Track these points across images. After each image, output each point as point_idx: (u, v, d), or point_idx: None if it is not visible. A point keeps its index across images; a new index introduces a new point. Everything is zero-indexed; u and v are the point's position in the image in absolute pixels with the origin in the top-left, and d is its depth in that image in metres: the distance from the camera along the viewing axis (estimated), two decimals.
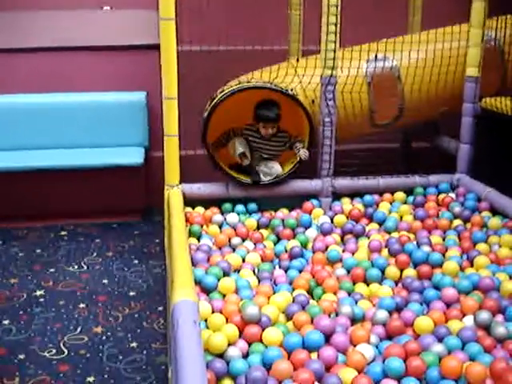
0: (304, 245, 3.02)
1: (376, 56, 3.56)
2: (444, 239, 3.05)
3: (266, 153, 3.35)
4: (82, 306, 3.04)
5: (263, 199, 3.43)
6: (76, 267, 3.46)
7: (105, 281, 3.30)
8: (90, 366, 2.54)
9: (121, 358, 2.60)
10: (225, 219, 3.29)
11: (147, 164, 4.15)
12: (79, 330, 2.82)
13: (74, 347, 2.67)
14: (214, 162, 3.35)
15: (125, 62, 4.27)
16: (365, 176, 3.59)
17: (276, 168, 3.35)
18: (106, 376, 2.47)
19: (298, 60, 3.62)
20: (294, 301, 2.43)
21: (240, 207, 3.38)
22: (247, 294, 2.45)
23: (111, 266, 3.49)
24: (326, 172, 3.48)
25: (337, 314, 2.38)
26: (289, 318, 2.34)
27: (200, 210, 3.35)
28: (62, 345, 2.69)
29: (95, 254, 3.64)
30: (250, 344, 2.16)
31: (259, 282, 2.63)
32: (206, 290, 2.48)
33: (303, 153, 3.28)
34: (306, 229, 3.20)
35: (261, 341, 2.16)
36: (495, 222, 3.12)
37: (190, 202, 3.35)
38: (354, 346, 2.16)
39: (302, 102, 3.31)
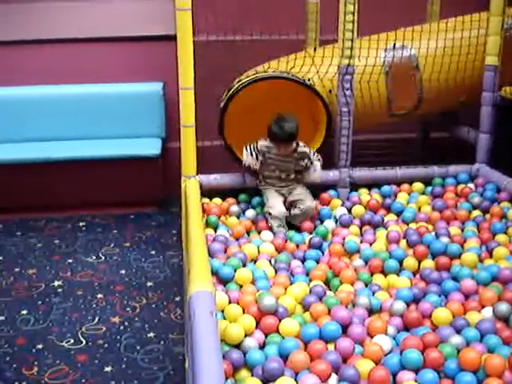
0: (324, 236, 2.99)
1: (394, 45, 3.51)
2: (463, 230, 3.02)
3: (284, 170, 3.16)
4: (99, 296, 3.05)
5: None
6: (94, 258, 3.48)
7: (122, 271, 3.31)
8: (108, 356, 2.55)
9: (138, 348, 2.61)
10: (243, 212, 3.29)
11: (164, 155, 4.15)
12: (97, 320, 2.83)
13: (92, 337, 2.69)
14: (231, 153, 3.34)
15: (141, 52, 4.26)
16: (382, 166, 3.56)
17: (308, 205, 3.11)
18: (123, 366, 2.48)
19: (315, 49, 3.59)
20: (310, 292, 2.43)
21: (257, 199, 3.37)
22: (264, 284, 2.45)
23: (128, 256, 3.50)
24: (343, 162, 3.46)
25: (354, 305, 2.37)
26: (306, 308, 2.34)
27: (217, 201, 3.34)
28: (79, 335, 2.70)
29: (113, 245, 3.65)
30: (266, 335, 2.16)
31: (276, 272, 2.63)
32: (223, 281, 2.48)
33: (314, 176, 3.16)
34: (323, 221, 3.19)
35: (277, 332, 2.16)
36: None
37: (206, 192, 3.35)
38: (371, 337, 2.16)
39: (320, 92, 3.29)
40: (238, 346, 2.09)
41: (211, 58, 3.69)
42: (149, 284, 3.18)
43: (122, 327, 2.77)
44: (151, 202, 4.17)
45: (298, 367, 1.95)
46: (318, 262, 2.73)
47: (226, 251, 2.74)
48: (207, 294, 1.96)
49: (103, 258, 3.48)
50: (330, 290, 2.55)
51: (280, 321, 2.19)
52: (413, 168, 3.60)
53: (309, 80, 3.33)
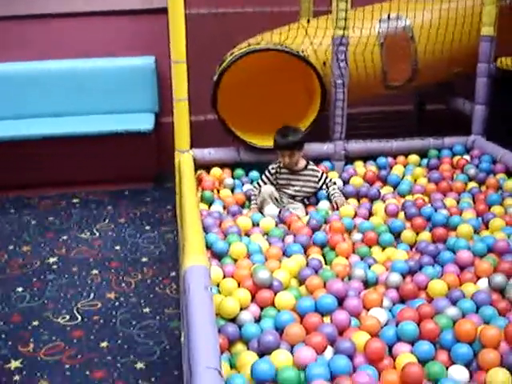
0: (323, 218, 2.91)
1: (389, 15, 3.46)
2: (458, 202, 3.01)
3: (294, 189, 3.06)
4: (94, 272, 3.04)
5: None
6: (88, 234, 3.46)
7: (117, 247, 3.30)
8: (104, 332, 2.54)
9: (134, 323, 2.61)
10: (242, 184, 3.27)
11: (157, 130, 4.11)
12: (92, 296, 2.82)
13: (88, 313, 2.68)
14: (225, 127, 3.31)
15: (133, 26, 4.19)
16: (378, 139, 3.54)
17: (300, 210, 3.02)
18: (119, 341, 2.48)
19: (308, 21, 3.54)
20: (307, 265, 2.42)
21: (254, 173, 3.35)
22: (259, 258, 2.43)
23: (123, 232, 3.48)
24: (338, 135, 3.43)
25: (350, 278, 2.37)
26: (301, 282, 2.33)
27: (217, 171, 3.31)
28: (75, 311, 2.70)
29: (107, 221, 3.63)
30: (262, 308, 2.16)
31: (270, 246, 2.61)
32: (218, 255, 2.47)
33: (341, 201, 3.01)
34: (319, 201, 3.13)
35: (273, 305, 2.16)
36: (511, 184, 3.06)
37: (200, 167, 3.33)
38: (367, 309, 2.15)
39: (314, 64, 3.25)
40: (233, 320, 2.09)
41: (203, 30, 3.64)
42: (144, 260, 3.16)
43: (117, 303, 2.76)
44: (145, 177, 4.14)
45: (293, 340, 1.95)
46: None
47: (220, 225, 2.73)
48: (202, 269, 1.95)
49: (98, 234, 3.46)
50: (327, 264, 2.54)
51: (275, 294, 2.18)
52: (408, 140, 3.58)
53: (302, 52, 3.29)
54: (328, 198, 3.07)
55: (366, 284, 2.37)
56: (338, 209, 2.97)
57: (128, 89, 4.19)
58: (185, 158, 3.17)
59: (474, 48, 3.48)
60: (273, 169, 3.09)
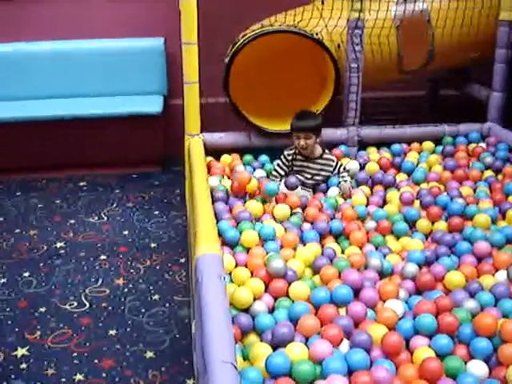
0: (334, 207, 2.85)
1: None
2: (475, 191, 2.94)
3: (306, 177, 3.00)
4: (102, 257, 3.00)
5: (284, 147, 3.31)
6: (96, 218, 3.41)
7: (125, 232, 3.25)
8: (112, 319, 2.50)
9: (143, 310, 2.56)
10: (253, 169, 3.20)
11: (166, 112, 4.04)
12: (100, 282, 2.77)
13: (96, 300, 2.64)
14: (236, 111, 3.24)
15: (141, 6, 4.10)
16: (390, 125, 3.46)
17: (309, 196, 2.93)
18: (128, 329, 2.44)
19: (322, 2, 3.44)
20: (322, 254, 2.36)
21: (263, 157, 3.29)
22: (273, 246, 2.37)
23: (131, 217, 3.43)
24: (351, 120, 3.36)
25: (365, 268, 2.31)
26: (316, 271, 2.28)
27: (227, 159, 3.24)
28: (83, 297, 2.65)
29: (115, 205, 3.58)
30: (275, 299, 2.10)
31: (286, 232, 2.54)
32: (230, 243, 2.40)
33: (344, 187, 2.93)
34: (329, 188, 3.04)
35: (287, 295, 2.10)
36: None
37: (211, 151, 3.25)
38: (384, 301, 2.10)
39: (328, 47, 3.16)
40: (246, 310, 2.03)
41: (214, 10, 3.55)
42: (152, 245, 3.12)
43: (125, 289, 2.72)
44: (153, 161, 4.08)
45: (308, 332, 1.89)
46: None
47: (231, 211, 2.66)
48: (215, 257, 1.90)
49: (106, 218, 3.41)
50: (342, 252, 2.48)
51: (289, 284, 2.13)
52: (423, 127, 3.50)
53: (317, 34, 3.20)
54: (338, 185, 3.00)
55: (381, 274, 2.31)
56: (342, 195, 2.92)
57: (137, 70, 4.11)
58: (195, 142, 3.11)
59: (492, 33, 3.39)
60: (289, 155, 3.01)
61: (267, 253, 2.33)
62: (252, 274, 2.20)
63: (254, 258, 2.26)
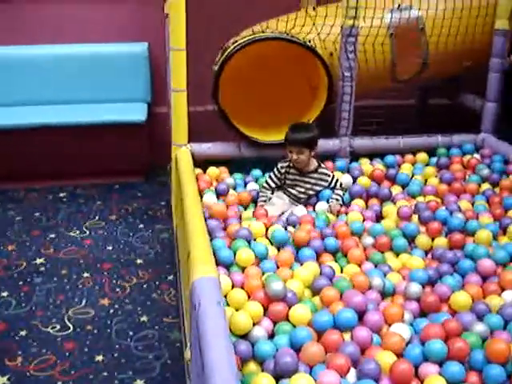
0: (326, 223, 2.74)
1: (399, 5, 3.28)
2: (472, 204, 2.85)
3: (299, 190, 2.87)
4: (86, 275, 2.83)
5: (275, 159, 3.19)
6: (78, 232, 3.24)
7: (109, 247, 3.09)
8: (98, 344, 2.35)
9: (131, 333, 2.41)
10: (245, 184, 3.07)
11: (150, 121, 3.89)
12: (84, 302, 2.61)
13: (80, 322, 2.48)
14: (225, 120, 3.11)
15: (123, 10, 3.95)
16: (383, 135, 3.37)
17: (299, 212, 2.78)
18: (115, 354, 2.28)
19: (314, 8, 3.34)
20: (321, 273, 2.24)
21: (256, 172, 3.17)
22: (268, 266, 2.25)
23: (115, 230, 3.27)
24: (344, 131, 3.26)
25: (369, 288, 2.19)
26: (315, 292, 2.16)
27: (214, 171, 3.11)
28: (66, 319, 2.49)
29: (97, 218, 3.41)
30: (275, 323, 1.98)
31: (279, 250, 2.42)
32: (223, 263, 2.27)
33: (333, 207, 2.79)
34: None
35: (287, 319, 1.98)
36: None
37: (199, 162, 3.12)
38: (389, 324, 1.99)
39: (321, 55, 3.06)
40: (244, 336, 1.90)
41: (204, 16, 3.42)
42: (138, 261, 2.96)
43: (111, 310, 2.56)
44: (137, 170, 3.93)
45: (312, 360, 1.78)
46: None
47: (225, 229, 2.52)
48: (212, 281, 1.77)
49: (88, 232, 3.25)
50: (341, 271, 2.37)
51: (289, 307, 2.00)
52: (416, 137, 3.41)
53: (309, 42, 3.09)
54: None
55: (383, 294, 2.21)
56: (331, 212, 2.80)
57: (119, 77, 3.96)
58: (183, 153, 2.98)
59: (487, 42, 3.32)
60: (282, 168, 2.90)
61: (263, 273, 2.21)
62: (249, 295, 2.07)
63: (251, 278, 2.13)
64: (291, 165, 2.86)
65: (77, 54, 3.92)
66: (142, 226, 3.33)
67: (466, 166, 3.24)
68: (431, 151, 3.40)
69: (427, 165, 3.32)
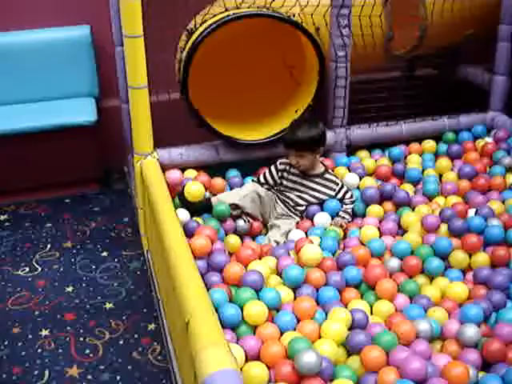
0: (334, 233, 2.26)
1: None
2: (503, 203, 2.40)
3: (297, 195, 2.40)
4: (44, 333, 2.22)
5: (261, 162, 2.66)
6: (27, 270, 2.61)
7: (68, 288, 2.48)
8: None
9: None
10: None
11: (101, 118, 3.25)
12: (47, 376, 2.01)
13: None
14: (197, 117, 2.55)
15: None
16: (382, 122, 2.87)
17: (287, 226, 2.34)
18: None
19: None
20: (352, 324, 1.75)
21: (234, 172, 2.64)
22: (286, 319, 1.75)
23: (73, 263, 2.65)
24: (339, 121, 2.75)
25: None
26: (350, 352, 1.68)
27: (192, 173, 2.56)
28: None
29: (49, 247, 2.78)
30: None
31: (295, 295, 1.91)
32: (229, 325, 1.74)
33: (340, 223, 2.32)
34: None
35: None
36: None
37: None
38: None
39: (310, 32, 2.51)
40: None
41: None
42: (108, 306, 2.38)
43: None
44: (89, 179, 3.31)
45: None
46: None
47: (221, 271, 1.97)
48: (232, 376, 1.25)
49: (39, 268, 2.62)
50: (372, 313, 1.88)
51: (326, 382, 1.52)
52: (419, 122, 2.93)
53: (293, 16, 2.55)
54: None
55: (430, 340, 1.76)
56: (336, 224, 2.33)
57: (58, 69, 3.28)
58: (149, 165, 2.42)
59: (492, 5, 2.84)
60: (281, 164, 2.40)
61: (281, 332, 1.71)
62: (269, 368, 1.57)
63: (270, 345, 1.62)
64: (291, 164, 2.38)
65: (7, 44, 3.23)
66: (105, 254, 2.73)
67: (480, 154, 2.78)
68: (438, 136, 2.93)
69: (436, 154, 2.85)
